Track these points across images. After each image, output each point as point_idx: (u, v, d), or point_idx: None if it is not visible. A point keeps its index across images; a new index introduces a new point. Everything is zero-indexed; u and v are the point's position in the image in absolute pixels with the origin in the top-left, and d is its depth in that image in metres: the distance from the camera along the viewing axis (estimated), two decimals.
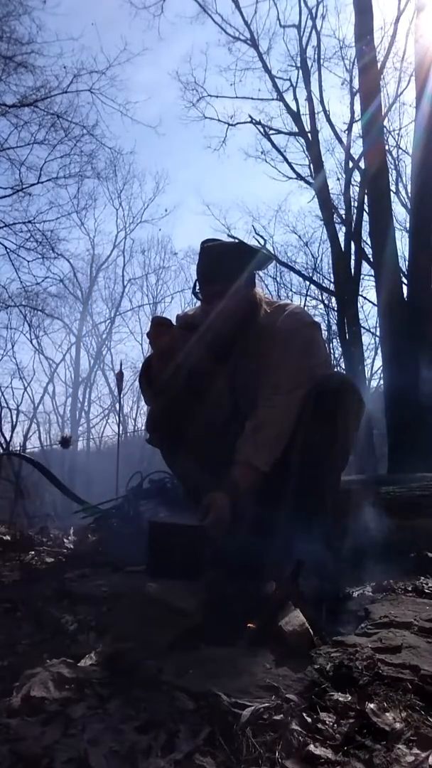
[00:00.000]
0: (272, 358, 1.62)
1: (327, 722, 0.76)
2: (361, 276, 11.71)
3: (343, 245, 10.68)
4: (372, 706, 0.78)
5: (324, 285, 12.96)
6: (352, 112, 11.31)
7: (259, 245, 1.98)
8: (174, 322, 1.71)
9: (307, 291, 15.08)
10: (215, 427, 1.70)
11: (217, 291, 1.64)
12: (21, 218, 11.62)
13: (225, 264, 1.66)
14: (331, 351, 12.35)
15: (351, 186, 11.69)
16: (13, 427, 15.06)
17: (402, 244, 8.56)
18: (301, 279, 13.39)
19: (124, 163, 23.40)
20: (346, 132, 11.67)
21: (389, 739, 0.72)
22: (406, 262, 7.10)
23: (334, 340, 12.49)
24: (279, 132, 12.05)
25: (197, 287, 1.71)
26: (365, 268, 11.53)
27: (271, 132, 11.96)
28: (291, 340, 1.65)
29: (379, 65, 7.83)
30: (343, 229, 11.45)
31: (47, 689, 0.84)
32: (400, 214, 12.70)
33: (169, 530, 1.52)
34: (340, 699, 0.82)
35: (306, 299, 14.89)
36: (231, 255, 1.68)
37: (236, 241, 1.76)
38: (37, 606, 1.27)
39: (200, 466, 1.72)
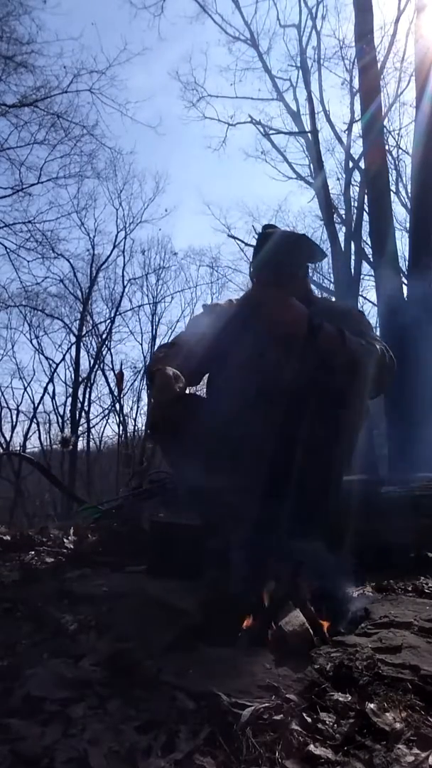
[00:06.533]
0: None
1: (327, 722, 0.76)
2: (361, 276, 11.73)
3: (343, 245, 10.67)
4: (372, 706, 0.78)
5: (324, 285, 12.97)
6: (352, 112, 11.32)
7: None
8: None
9: None
10: (222, 424, 1.69)
11: (277, 279, 1.69)
12: (21, 218, 11.59)
13: (291, 254, 1.72)
14: None
15: (351, 186, 11.71)
16: (13, 427, 15.00)
17: (402, 244, 8.58)
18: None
19: (124, 163, 23.27)
20: (346, 132, 11.68)
21: (389, 739, 0.72)
22: (406, 262, 7.10)
23: None
24: (279, 132, 12.07)
25: (252, 269, 1.79)
26: (365, 268, 11.56)
27: (271, 132, 11.97)
28: (348, 315, 1.77)
29: (379, 65, 7.83)
30: (343, 229, 11.47)
31: (47, 689, 0.84)
32: (400, 214, 12.70)
33: (170, 530, 1.52)
34: (340, 699, 0.82)
35: None
36: (295, 246, 1.75)
37: (298, 233, 1.84)
38: (37, 606, 1.26)
39: (203, 465, 1.71)
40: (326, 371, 1.55)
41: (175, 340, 1.81)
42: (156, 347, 1.84)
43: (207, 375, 1.86)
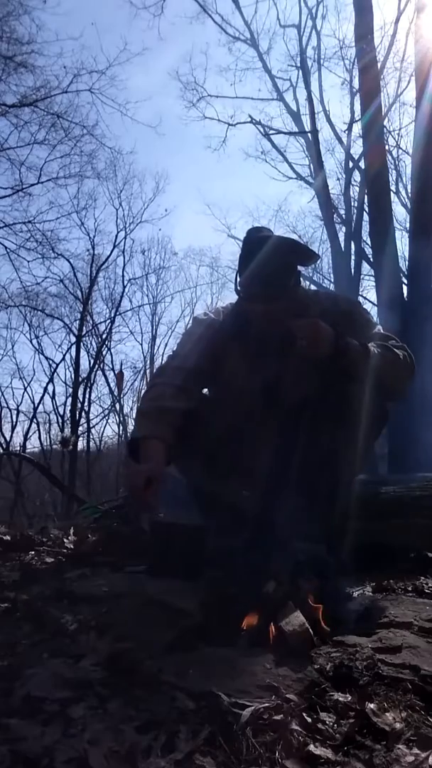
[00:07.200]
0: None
1: (327, 722, 0.76)
2: (361, 276, 11.74)
3: (343, 245, 10.69)
4: (372, 706, 0.78)
5: (324, 285, 12.97)
6: (352, 112, 11.36)
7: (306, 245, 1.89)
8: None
9: None
10: (227, 426, 1.68)
11: (266, 295, 1.58)
12: (21, 218, 11.57)
13: (281, 266, 1.58)
14: None
15: (351, 186, 11.75)
16: (13, 427, 14.99)
17: (402, 244, 8.58)
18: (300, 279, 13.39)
19: (124, 163, 23.16)
20: (346, 132, 11.72)
21: (389, 739, 0.72)
22: (406, 262, 7.11)
23: None
24: (279, 132, 12.09)
25: (238, 281, 1.65)
26: (365, 268, 11.57)
27: (271, 132, 11.99)
28: (352, 315, 1.68)
29: (379, 65, 7.84)
30: (343, 229, 11.49)
31: (47, 689, 0.84)
32: (400, 214, 12.69)
33: (171, 530, 1.52)
34: (340, 699, 0.82)
35: None
36: (285, 256, 1.59)
37: (290, 238, 1.66)
38: (37, 606, 1.26)
39: (207, 468, 1.70)
40: (343, 378, 1.53)
41: (168, 361, 1.72)
42: (151, 376, 1.76)
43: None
